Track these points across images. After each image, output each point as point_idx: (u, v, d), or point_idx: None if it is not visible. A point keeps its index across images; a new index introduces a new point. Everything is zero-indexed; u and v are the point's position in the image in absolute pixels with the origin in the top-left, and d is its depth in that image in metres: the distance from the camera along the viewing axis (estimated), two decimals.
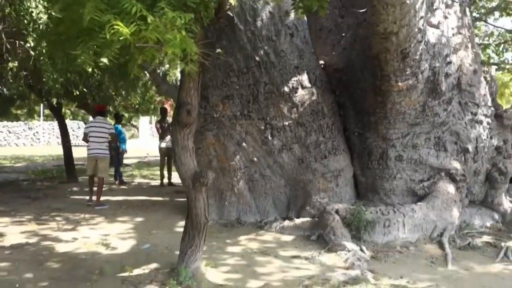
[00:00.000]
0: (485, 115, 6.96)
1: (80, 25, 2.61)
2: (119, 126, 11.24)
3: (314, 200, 6.61)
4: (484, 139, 6.88)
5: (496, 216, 6.95)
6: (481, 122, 6.90)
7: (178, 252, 5.20)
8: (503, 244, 5.80)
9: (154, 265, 4.78)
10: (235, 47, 6.69)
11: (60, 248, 5.45)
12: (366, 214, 5.79)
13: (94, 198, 8.17)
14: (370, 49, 6.15)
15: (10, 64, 6.74)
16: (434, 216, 6.06)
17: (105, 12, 2.45)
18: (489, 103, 7.14)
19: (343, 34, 7.92)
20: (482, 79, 7.14)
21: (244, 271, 4.68)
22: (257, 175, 6.89)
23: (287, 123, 6.70)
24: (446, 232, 6.01)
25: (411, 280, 4.49)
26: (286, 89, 6.63)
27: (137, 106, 13.59)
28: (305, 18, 7.32)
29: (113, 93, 11.93)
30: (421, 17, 5.83)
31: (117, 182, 11.25)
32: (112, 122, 11.13)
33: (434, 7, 6.53)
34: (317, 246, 5.61)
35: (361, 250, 5.37)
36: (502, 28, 12.40)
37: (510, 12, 10.62)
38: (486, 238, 6.17)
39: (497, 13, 10.87)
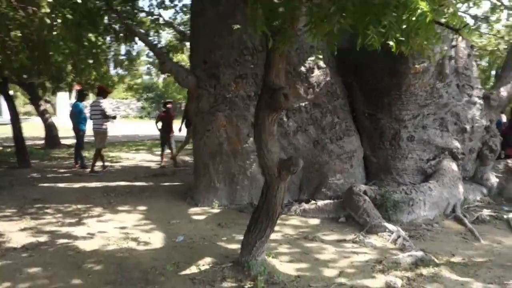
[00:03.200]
0: (478, 97, 7.40)
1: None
2: (81, 104, 10.17)
3: (330, 181, 6.61)
4: (478, 119, 7.33)
5: (484, 191, 7.50)
6: (475, 104, 7.32)
7: (221, 243, 4.99)
8: (505, 216, 6.32)
9: (208, 260, 4.44)
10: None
11: (84, 246, 4.83)
12: (393, 195, 5.91)
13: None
14: None
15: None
16: (446, 193, 6.37)
17: None
18: (479, 86, 7.60)
19: None
20: (474, 62, 7.55)
21: (308, 260, 4.53)
22: None
23: (303, 104, 6.57)
24: (457, 208, 6.38)
25: (465, 257, 4.68)
26: (303, 69, 6.47)
27: (91, 82, 12.40)
28: None
29: (67, 69, 10.82)
30: None
31: (77, 165, 10.30)
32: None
33: None
34: (352, 228, 5.64)
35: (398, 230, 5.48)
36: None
37: None
38: (485, 211, 6.65)
39: None
